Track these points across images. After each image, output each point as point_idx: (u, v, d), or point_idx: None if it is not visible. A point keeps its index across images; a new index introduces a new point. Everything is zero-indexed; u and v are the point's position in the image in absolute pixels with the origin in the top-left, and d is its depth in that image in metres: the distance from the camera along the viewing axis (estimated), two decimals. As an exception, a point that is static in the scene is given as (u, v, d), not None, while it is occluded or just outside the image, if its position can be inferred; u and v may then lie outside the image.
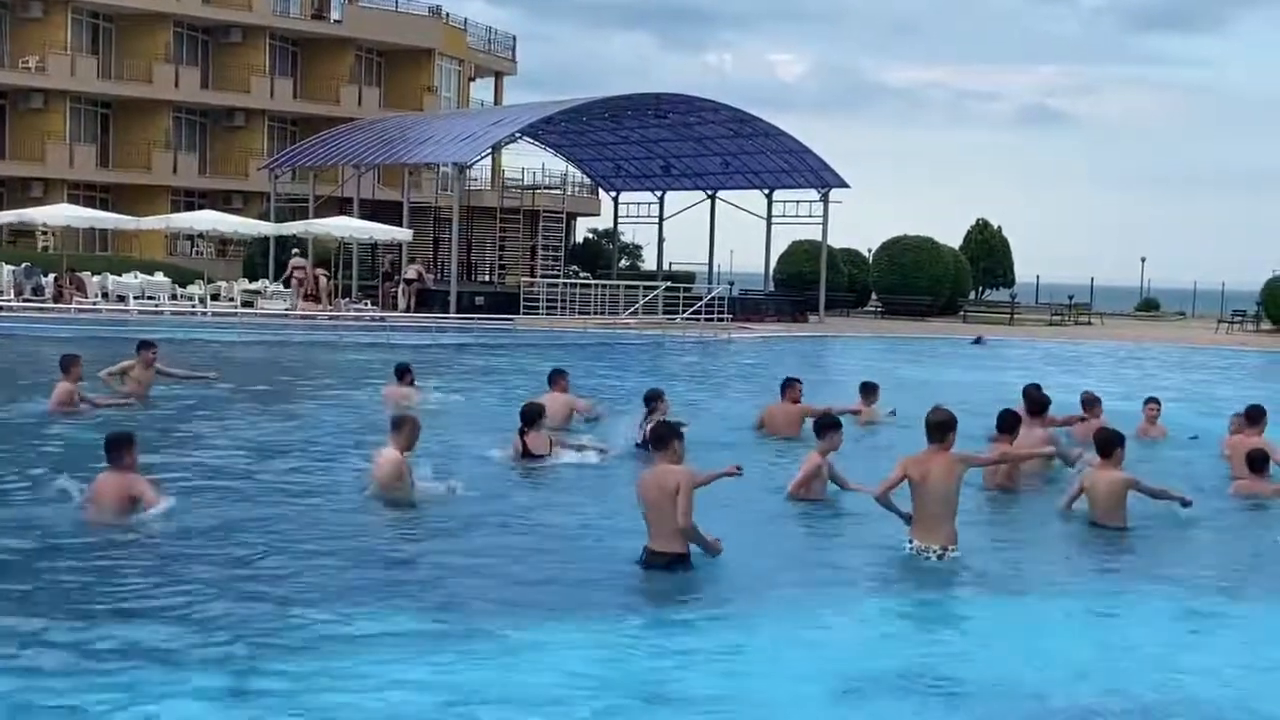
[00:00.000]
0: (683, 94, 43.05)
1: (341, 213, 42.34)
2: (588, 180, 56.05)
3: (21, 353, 24.18)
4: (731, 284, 48.28)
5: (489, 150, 44.40)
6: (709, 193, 50.49)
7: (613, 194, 54.02)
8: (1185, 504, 11.39)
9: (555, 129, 47.28)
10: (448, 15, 60.81)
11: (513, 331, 34.00)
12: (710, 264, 51.93)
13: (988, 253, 58.57)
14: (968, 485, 9.92)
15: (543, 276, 43.20)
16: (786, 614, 8.30)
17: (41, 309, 31.98)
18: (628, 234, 59.70)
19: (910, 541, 9.60)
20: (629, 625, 7.89)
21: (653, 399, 14.08)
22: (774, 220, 48.88)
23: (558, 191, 55.84)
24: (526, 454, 12.99)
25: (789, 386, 15.92)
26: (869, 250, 55.75)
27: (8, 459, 12.28)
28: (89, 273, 36.30)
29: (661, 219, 52.52)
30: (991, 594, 9.05)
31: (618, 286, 42.20)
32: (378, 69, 59.84)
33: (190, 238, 48.68)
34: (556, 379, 15.90)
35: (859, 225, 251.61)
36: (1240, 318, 49.65)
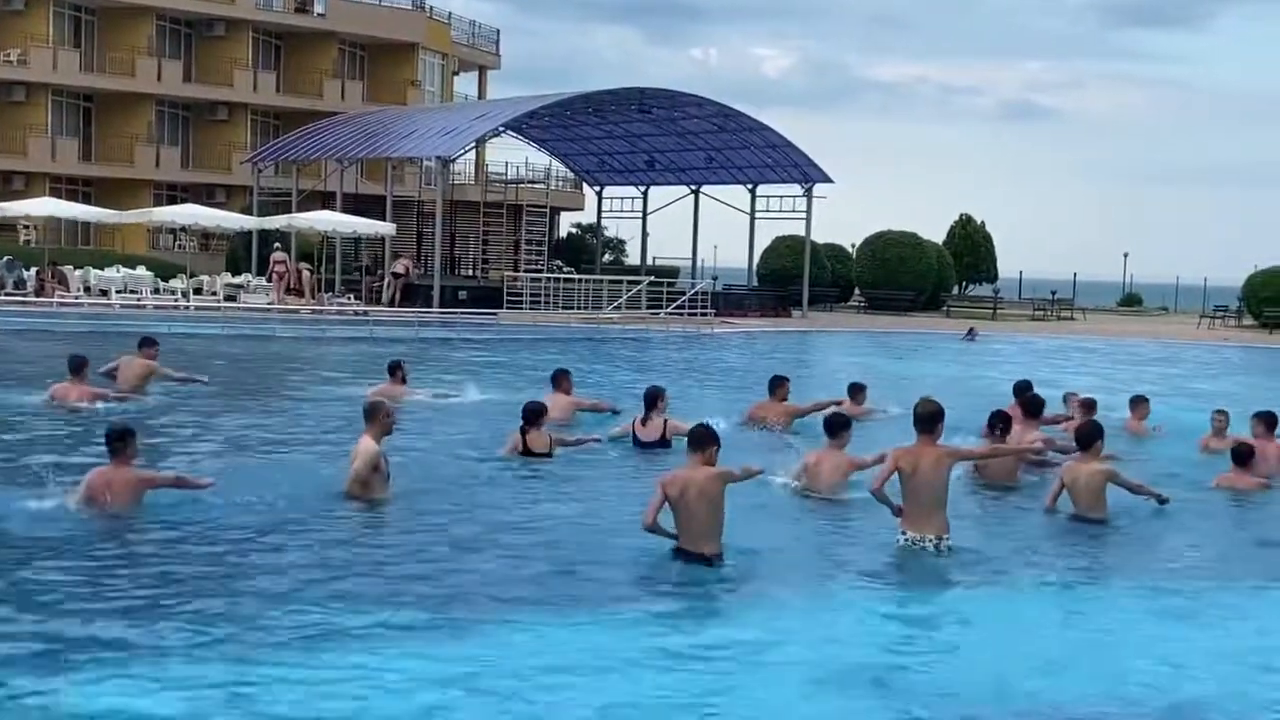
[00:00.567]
0: (666, 89, 43.05)
1: (325, 207, 42.24)
2: (571, 175, 56.01)
3: (1, 346, 24.07)
4: (715, 279, 48.32)
5: (472, 144, 44.31)
6: (693, 187, 50.52)
7: (596, 188, 54.00)
8: (1162, 501, 11.53)
9: (539, 123, 47.26)
10: (431, 9, 60.73)
11: (496, 326, 33.99)
12: (694, 259, 52.01)
13: (971, 248, 58.76)
14: (967, 485, 9.97)
15: (526, 271, 43.12)
16: (781, 608, 8.33)
17: (23, 303, 31.89)
18: (611, 229, 59.84)
19: (904, 533, 9.65)
20: (627, 621, 7.89)
21: (654, 397, 14.01)
22: (758, 215, 48.91)
23: (541, 186, 55.80)
24: (527, 451, 12.96)
25: (778, 385, 15.88)
26: (852, 245, 55.86)
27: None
28: (71, 266, 36.19)
29: (645, 214, 52.54)
30: (982, 588, 9.09)
31: (601, 281, 42.15)
32: (361, 63, 59.70)
33: (173, 232, 48.45)
34: (560, 379, 15.67)
35: (842, 220, 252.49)
36: (1222, 313, 49.90)
